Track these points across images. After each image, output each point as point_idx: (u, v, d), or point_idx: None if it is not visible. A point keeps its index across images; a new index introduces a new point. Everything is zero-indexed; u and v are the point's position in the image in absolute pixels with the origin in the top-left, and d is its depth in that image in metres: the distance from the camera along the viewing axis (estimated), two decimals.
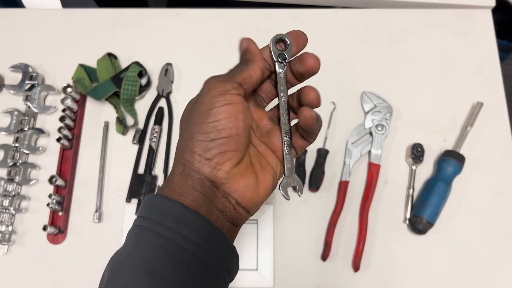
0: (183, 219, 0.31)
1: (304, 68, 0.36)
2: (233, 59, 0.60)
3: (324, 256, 0.62)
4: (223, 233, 0.33)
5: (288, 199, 0.37)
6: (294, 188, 0.38)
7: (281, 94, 0.38)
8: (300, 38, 0.37)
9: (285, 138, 0.37)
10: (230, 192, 0.33)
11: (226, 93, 0.32)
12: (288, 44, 0.37)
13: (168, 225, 0.30)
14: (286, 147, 0.37)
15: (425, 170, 0.67)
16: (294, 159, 0.38)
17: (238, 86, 0.33)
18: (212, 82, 0.33)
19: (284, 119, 0.38)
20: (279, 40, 0.37)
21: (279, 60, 0.37)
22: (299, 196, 0.38)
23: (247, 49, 0.35)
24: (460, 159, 0.64)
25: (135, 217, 0.34)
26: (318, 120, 0.35)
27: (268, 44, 0.37)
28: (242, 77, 0.34)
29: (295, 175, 0.37)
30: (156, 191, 0.33)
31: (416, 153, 0.66)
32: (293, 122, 0.39)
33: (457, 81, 0.72)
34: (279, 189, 0.37)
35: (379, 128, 0.67)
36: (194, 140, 0.32)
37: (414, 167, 0.66)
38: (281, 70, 0.38)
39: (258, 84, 0.37)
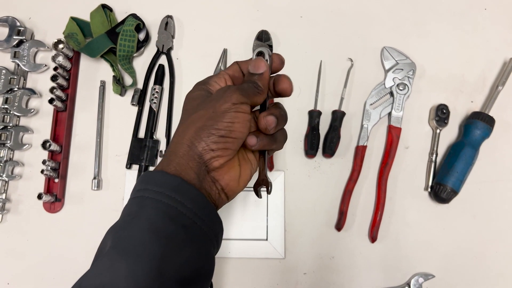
0: (181, 190, 0.35)
1: (279, 88, 0.42)
2: (240, 12, 0.55)
3: (339, 226, 0.58)
4: (213, 206, 0.38)
5: (260, 198, 0.44)
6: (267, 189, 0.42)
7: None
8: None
9: None
10: (218, 179, 0.38)
11: (242, 104, 0.38)
12: (269, 55, 0.41)
13: (168, 194, 0.34)
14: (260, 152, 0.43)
15: (450, 133, 0.61)
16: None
17: (250, 103, 0.39)
18: (231, 92, 0.38)
19: None
20: (259, 53, 0.42)
21: None
22: (268, 194, 0.46)
23: (263, 77, 0.40)
24: (490, 121, 0.58)
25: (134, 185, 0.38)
26: (278, 123, 0.40)
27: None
28: (253, 101, 0.39)
29: (268, 176, 0.43)
30: (155, 167, 0.39)
31: (441, 115, 0.60)
32: None
33: (487, 34, 0.65)
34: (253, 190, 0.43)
35: (401, 88, 0.61)
36: (206, 131, 0.37)
37: (438, 131, 0.61)
38: None
39: None
